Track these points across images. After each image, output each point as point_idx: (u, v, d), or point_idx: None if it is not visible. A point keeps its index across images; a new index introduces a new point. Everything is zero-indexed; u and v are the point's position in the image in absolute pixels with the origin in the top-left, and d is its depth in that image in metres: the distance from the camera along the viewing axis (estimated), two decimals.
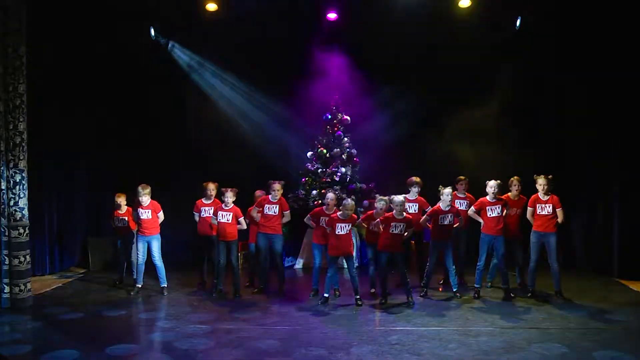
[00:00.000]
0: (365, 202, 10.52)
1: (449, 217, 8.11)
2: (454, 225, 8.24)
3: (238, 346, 6.20)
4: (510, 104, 10.57)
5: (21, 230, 7.67)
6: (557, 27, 10.00)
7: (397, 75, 10.89)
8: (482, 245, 8.18)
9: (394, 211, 7.74)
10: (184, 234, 9.96)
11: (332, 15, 10.82)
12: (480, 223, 8.16)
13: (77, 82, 10.13)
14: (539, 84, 10.57)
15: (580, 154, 10.19)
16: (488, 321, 7.07)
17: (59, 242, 10.23)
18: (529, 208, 8.12)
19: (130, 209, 8.91)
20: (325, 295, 7.89)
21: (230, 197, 8.17)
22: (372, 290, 8.39)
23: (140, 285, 8.58)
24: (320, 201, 10.22)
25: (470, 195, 8.82)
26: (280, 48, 10.91)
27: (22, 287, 7.71)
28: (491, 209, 8.02)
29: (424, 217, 8.29)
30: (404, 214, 7.80)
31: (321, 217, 8.24)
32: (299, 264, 10.68)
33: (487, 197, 8.08)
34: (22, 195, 7.69)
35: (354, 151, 11.19)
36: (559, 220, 7.96)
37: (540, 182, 7.95)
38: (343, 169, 10.90)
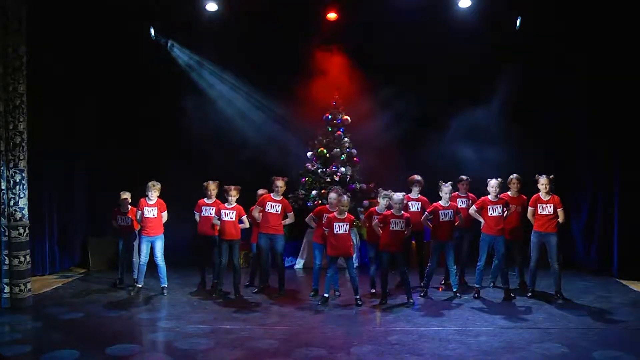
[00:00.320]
0: (365, 202, 10.52)
1: (450, 213, 8.12)
2: (455, 224, 8.24)
3: (238, 346, 6.20)
4: (510, 104, 10.56)
5: (21, 230, 7.67)
6: (557, 27, 9.99)
7: (397, 75, 10.87)
8: (482, 245, 8.17)
9: (393, 209, 7.76)
10: (184, 234, 9.95)
11: (332, 15, 10.81)
12: (481, 223, 8.16)
13: (77, 82, 10.14)
14: (539, 83, 10.56)
15: (580, 154, 10.17)
16: (488, 321, 7.08)
17: (59, 242, 10.22)
18: (529, 208, 8.11)
19: (134, 209, 8.88)
20: (325, 295, 7.89)
21: (234, 195, 8.17)
22: (372, 291, 8.39)
23: (140, 285, 8.58)
24: (320, 201, 10.22)
25: (471, 195, 8.81)
26: (280, 48, 10.89)
27: (22, 287, 7.70)
28: (492, 208, 8.02)
29: (425, 214, 8.29)
30: (402, 212, 7.82)
31: (324, 215, 8.17)
32: (299, 264, 10.67)
33: (489, 197, 8.08)
34: (22, 195, 7.69)
35: (354, 151, 11.19)
36: (560, 220, 7.96)
37: (542, 182, 7.94)
38: (343, 169, 10.90)
